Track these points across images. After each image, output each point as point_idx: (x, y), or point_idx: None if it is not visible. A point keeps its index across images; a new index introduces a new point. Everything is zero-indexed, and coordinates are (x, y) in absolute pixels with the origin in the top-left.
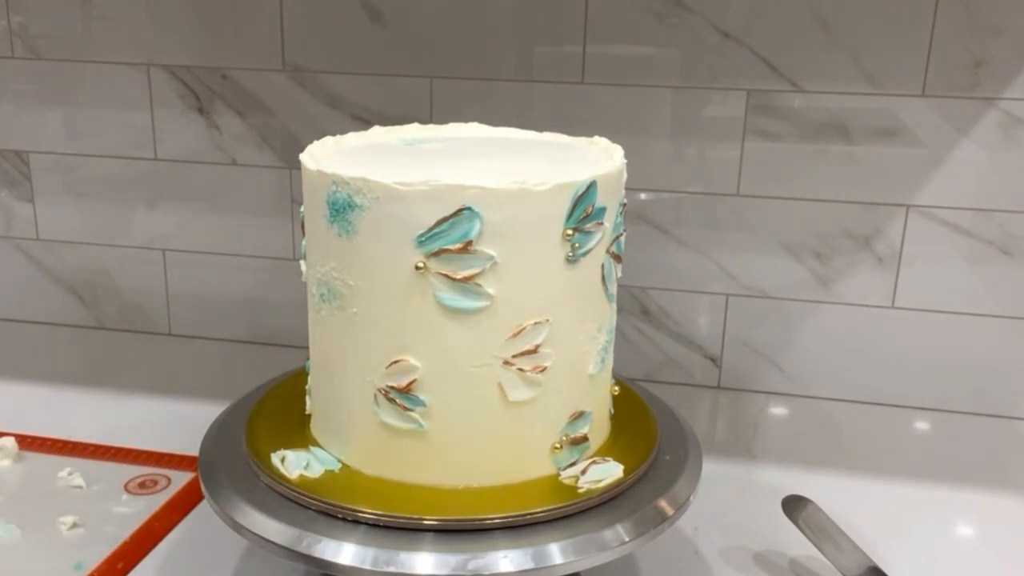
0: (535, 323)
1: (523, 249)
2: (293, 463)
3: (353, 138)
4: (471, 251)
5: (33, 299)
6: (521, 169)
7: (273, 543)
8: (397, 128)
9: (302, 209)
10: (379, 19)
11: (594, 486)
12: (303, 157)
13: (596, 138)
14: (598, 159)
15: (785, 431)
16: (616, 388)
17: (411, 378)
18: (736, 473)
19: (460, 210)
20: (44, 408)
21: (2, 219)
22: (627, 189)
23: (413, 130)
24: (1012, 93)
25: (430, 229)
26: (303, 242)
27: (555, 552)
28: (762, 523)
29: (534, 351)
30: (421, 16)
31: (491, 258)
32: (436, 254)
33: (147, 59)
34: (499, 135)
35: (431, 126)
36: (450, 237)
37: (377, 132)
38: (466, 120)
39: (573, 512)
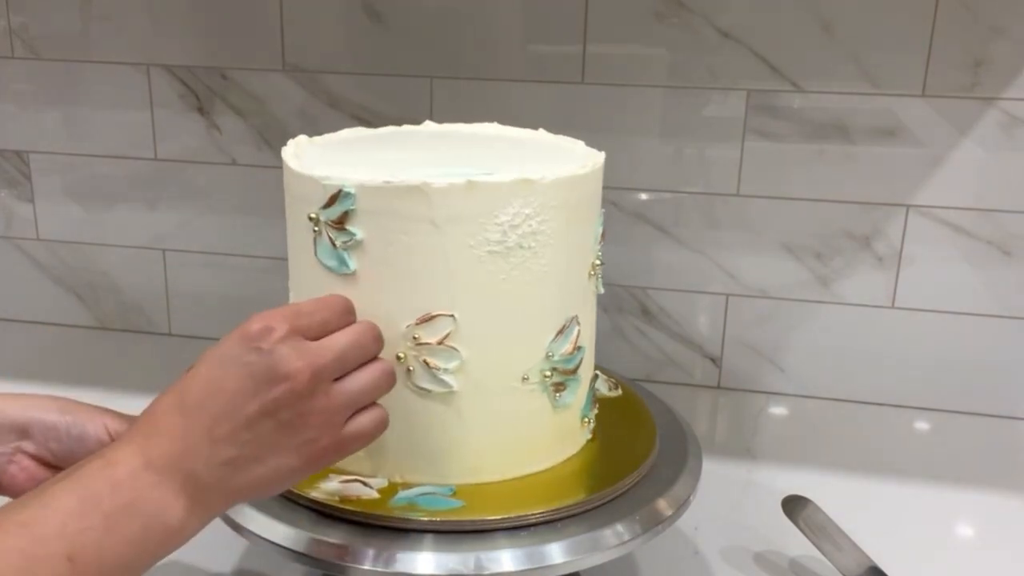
0: None
1: None
2: None
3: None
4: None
5: (33, 299)
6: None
7: (273, 543)
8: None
9: None
10: (379, 19)
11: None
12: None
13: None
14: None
15: (785, 431)
16: (618, 390)
17: None
18: (736, 473)
19: None
20: None
21: (2, 219)
22: (627, 189)
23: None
24: (1012, 93)
25: None
26: None
27: (555, 552)
28: (762, 523)
29: None
30: (421, 16)
31: None
32: None
33: (147, 59)
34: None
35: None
36: None
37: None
38: (466, 120)
39: (573, 512)
